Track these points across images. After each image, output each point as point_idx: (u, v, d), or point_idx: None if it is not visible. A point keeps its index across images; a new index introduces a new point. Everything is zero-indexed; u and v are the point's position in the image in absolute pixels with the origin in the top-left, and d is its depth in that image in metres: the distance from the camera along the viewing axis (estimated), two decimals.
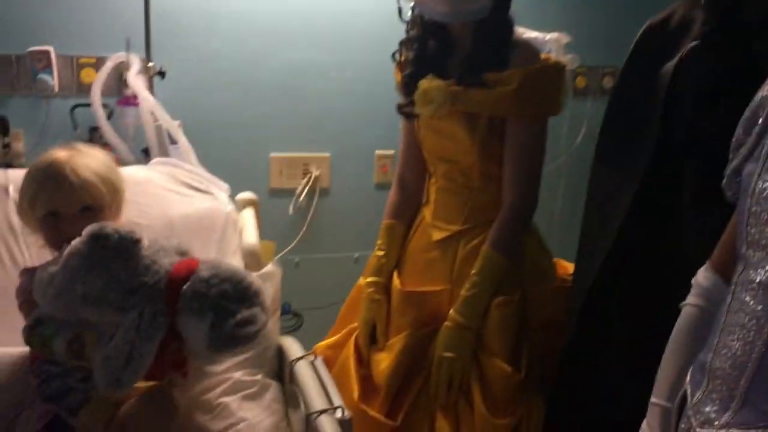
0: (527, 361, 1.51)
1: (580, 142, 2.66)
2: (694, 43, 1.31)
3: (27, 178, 1.39)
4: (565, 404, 1.50)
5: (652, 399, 1.04)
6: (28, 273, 1.40)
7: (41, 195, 1.36)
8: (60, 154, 1.38)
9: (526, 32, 1.81)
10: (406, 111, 1.64)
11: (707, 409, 0.89)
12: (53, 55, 2.19)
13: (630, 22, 2.71)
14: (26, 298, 1.36)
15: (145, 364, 1.19)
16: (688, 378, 0.97)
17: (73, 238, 1.29)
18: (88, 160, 1.38)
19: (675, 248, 1.32)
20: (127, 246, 1.25)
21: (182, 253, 1.36)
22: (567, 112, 2.65)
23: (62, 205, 1.35)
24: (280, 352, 1.54)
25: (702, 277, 1.02)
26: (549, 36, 2.39)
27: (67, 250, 1.26)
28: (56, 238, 1.37)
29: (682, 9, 1.39)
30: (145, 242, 1.29)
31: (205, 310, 1.19)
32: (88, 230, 1.26)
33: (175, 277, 1.24)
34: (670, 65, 1.33)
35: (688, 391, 0.95)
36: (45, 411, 1.34)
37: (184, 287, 1.21)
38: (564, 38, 2.44)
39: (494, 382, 1.49)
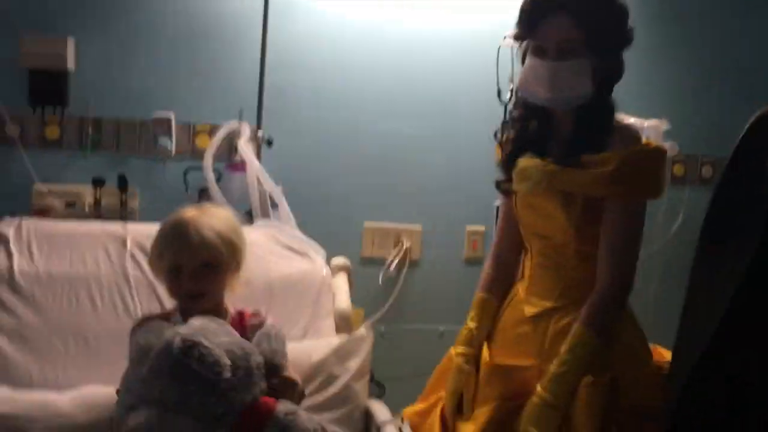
0: None
1: (677, 230, 2.63)
2: None
3: (158, 234, 1.53)
4: None
5: None
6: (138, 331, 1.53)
7: (167, 250, 1.49)
8: (188, 213, 1.52)
9: (625, 118, 1.85)
10: (504, 188, 1.69)
11: None
12: (173, 122, 2.38)
13: (730, 113, 2.74)
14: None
15: None
16: None
17: (192, 292, 1.44)
18: (212, 221, 1.50)
19: None
20: (208, 377, 1.33)
21: (272, 367, 1.44)
22: (664, 200, 2.65)
23: (184, 260, 1.48)
24: (367, 416, 1.57)
25: None
26: (648, 123, 2.43)
27: (160, 347, 1.36)
28: (177, 290, 1.51)
29: None
30: (227, 374, 1.35)
31: None
32: (181, 339, 1.34)
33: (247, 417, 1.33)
34: None
35: None
36: None
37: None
38: (663, 125, 2.47)
39: None
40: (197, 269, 1.48)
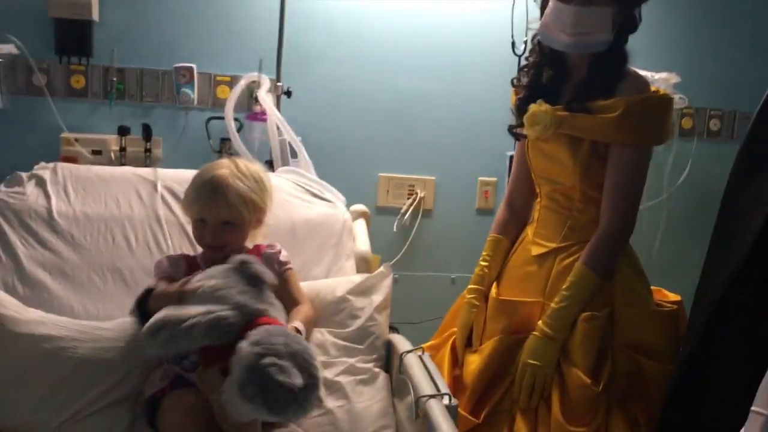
0: (608, 377, 1.61)
1: (683, 181, 2.72)
2: None
3: (192, 183, 1.68)
4: (680, 412, 1.57)
5: (753, 407, 1.09)
6: (167, 259, 1.71)
7: (195, 203, 1.65)
8: (220, 170, 1.66)
9: (637, 71, 1.92)
10: (516, 132, 1.79)
11: None
12: (195, 72, 2.47)
13: (739, 68, 2.81)
14: (160, 277, 1.67)
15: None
16: None
17: (213, 244, 1.64)
18: (240, 184, 1.64)
19: None
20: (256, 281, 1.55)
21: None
22: (672, 151, 2.74)
23: (209, 216, 1.64)
24: (389, 347, 1.70)
25: None
26: (658, 75, 2.51)
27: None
28: (200, 239, 1.68)
29: None
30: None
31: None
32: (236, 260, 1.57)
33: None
34: None
35: None
36: (169, 371, 1.57)
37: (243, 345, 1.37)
38: (673, 78, 2.55)
39: (572, 391, 1.60)
40: (219, 225, 1.63)
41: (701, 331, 1.55)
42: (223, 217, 1.62)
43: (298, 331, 1.54)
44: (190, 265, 1.67)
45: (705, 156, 2.77)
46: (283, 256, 1.71)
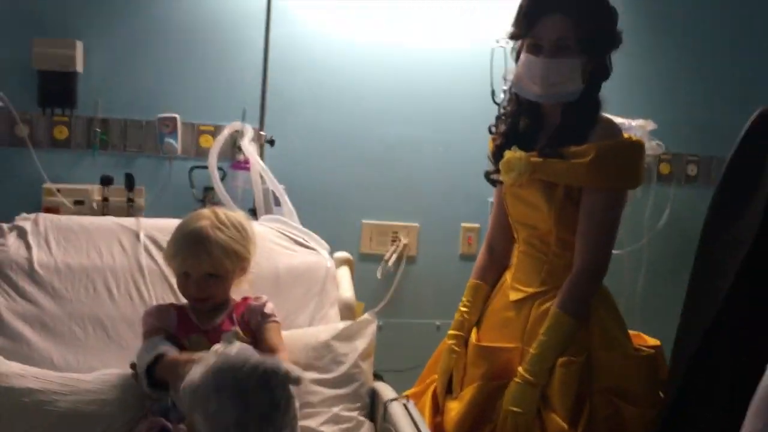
0: (586, 422, 1.61)
1: (663, 226, 2.76)
2: None
3: (173, 236, 1.68)
4: None
5: None
6: (157, 309, 1.69)
7: (177, 256, 1.65)
8: (202, 221, 1.64)
9: (613, 119, 1.97)
10: (492, 178, 1.83)
11: None
12: (179, 122, 2.50)
13: (716, 114, 2.87)
14: (146, 330, 1.65)
15: None
16: None
17: (197, 296, 1.62)
18: (221, 235, 1.62)
19: None
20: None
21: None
22: (650, 197, 2.79)
23: (191, 269, 1.63)
24: (373, 395, 1.70)
25: None
26: (635, 122, 2.57)
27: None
28: (184, 291, 1.67)
29: None
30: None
31: None
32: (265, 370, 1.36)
33: None
34: None
35: None
36: (155, 423, 1.55)
37: None
38: (649, 125, 2.62)
39: None
40: (203, 278, 1.63)
41: (682, 377, 1.57)
42: (206, 269, 1.62)
43: None
44: (180, 317, 1.66)
45: (683, 200, 2.82)
46: (268, 308, 1.70)
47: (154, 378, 1.53)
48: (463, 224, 2.80)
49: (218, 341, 1.51)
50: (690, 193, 2.87)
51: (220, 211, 1.69)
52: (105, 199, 2.44)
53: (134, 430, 1.56)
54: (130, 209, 2.45)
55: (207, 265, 1.61)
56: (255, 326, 1.67)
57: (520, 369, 1.65)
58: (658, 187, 2.81)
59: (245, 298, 1.72)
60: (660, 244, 2.79)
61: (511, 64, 1.81)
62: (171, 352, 1.56)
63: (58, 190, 2.41)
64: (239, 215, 1.72)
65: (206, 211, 1.69)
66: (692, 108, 2.85)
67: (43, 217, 1.97)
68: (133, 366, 1.60)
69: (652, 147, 2.65)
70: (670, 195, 2.81)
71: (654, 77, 2.82)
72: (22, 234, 1.90)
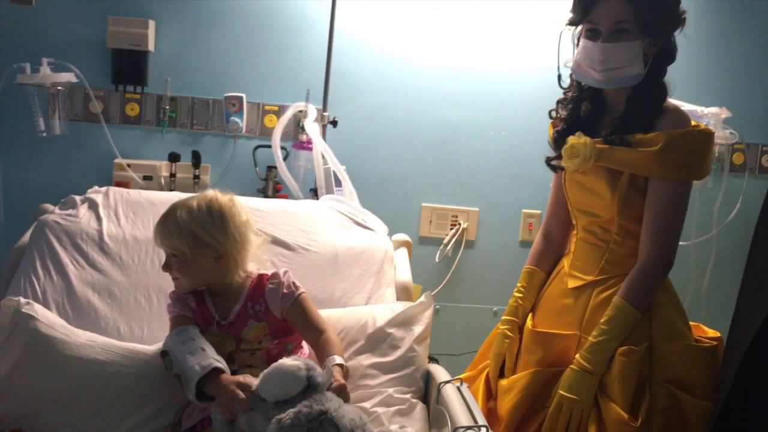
0: (646, 412, 1.59)
1: (734, 218, 2.67)
2: None
3: None
4: None
5: None
6: (173, 300, 1.70)
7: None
8: (176, 204, 1.66)
9: (684, 105, 1.91)
10: (554, 164, 1.81)
11: None
12: (245, 101, 2.54)
13: None
14: (173, 316, 1.68)
15: None
16: None
17: (170, 274, 1.63)
18: (183, 215, 1.61)
19: None
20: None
21: None
22: (722, 187, 2.69)
23: (160, 246, 1.67)
24: (428, 377, 1.71)
25: None
26: (708, 110, 2.48)
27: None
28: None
29: None
30: None
31: None
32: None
33: None
34: None
35: None
36: (204, 408, 1.58)
37: None
38: (724, 113, 2.53)
39: (610, 426, 1.59)
40: (168, 256, 1.66)
41: (737, 370, 1.53)
42: (163, 246, 1.64)
43: (342, 368, 1.55)
44: (198, 304, 1.67)
45: (756, 192, 2.71)
46: (286, 283, 1.66)
47: (200, 388, 1.51)
48: (524, 210, 2.78)
49: (235, 335, 1.60)
50: (763, 184, 2.76)
51: (209, 194, 1.67)
52: (172, 175, 2.52)
53: (189, 407, 1.60)
54: (195, 186, 2.53)
55: (163, 242, 1.63)
56: (283, 311, 1.64)
57: (577, 356, 1.64)
58: (731, 177, 2.72)
59: (260, 276, 1.69)
60: (730, 237, 2.71)
61: (574, 47, 1.78)
62: (221, 365, 1.52)
63: (129, 165, 2.50)
64: (227, 200, 1.66)
65: (195, 195, 1.69)
66: None
67: (114, 191, 2.05)
68: (163, 354, 1.59)
69: (725, 136, 2.57)
70: (742, 186, 2.72)
71: (729, 64, 2.73)
72: (93, 206, 1.98)
